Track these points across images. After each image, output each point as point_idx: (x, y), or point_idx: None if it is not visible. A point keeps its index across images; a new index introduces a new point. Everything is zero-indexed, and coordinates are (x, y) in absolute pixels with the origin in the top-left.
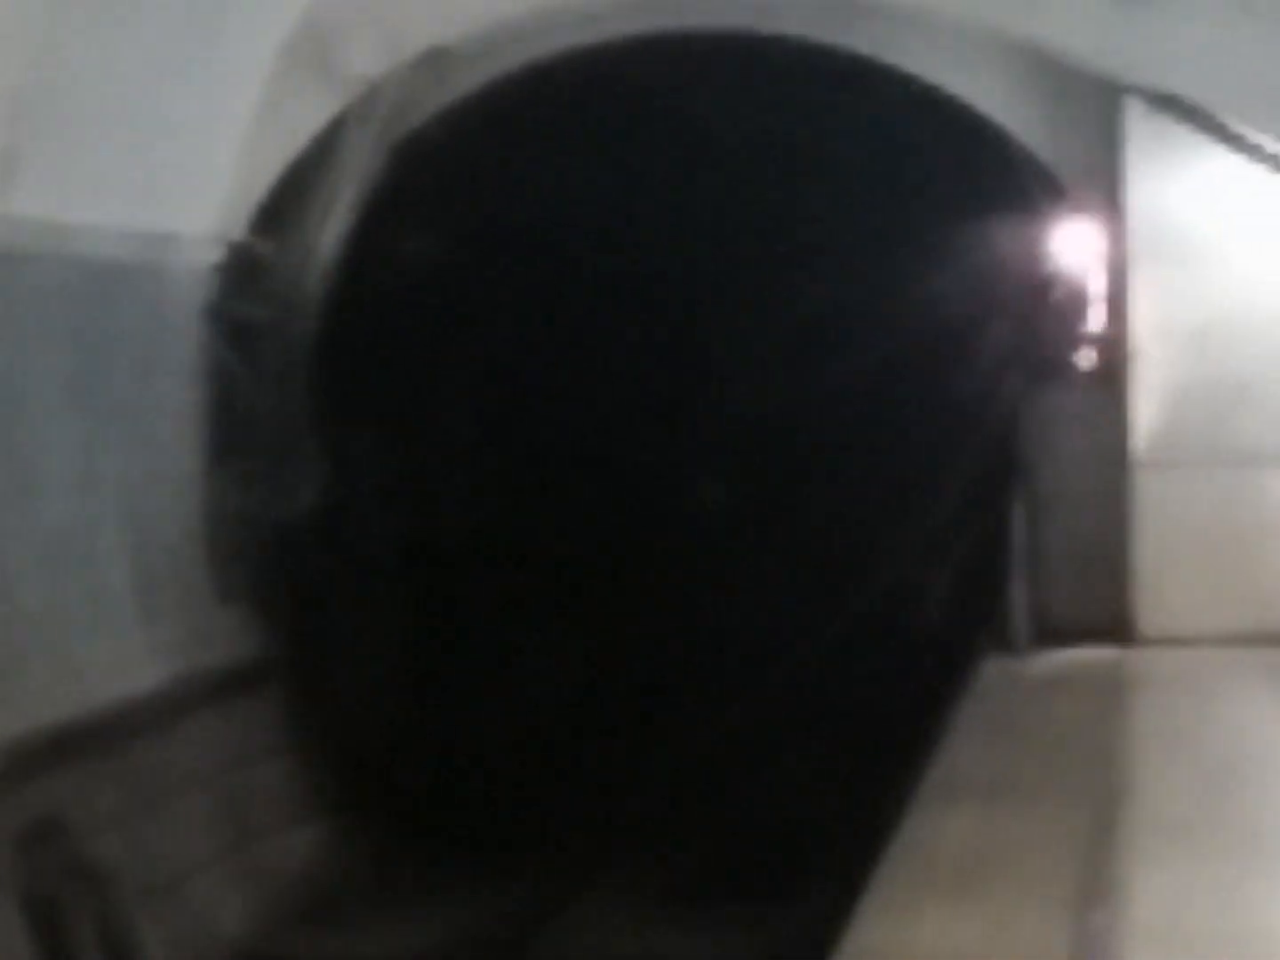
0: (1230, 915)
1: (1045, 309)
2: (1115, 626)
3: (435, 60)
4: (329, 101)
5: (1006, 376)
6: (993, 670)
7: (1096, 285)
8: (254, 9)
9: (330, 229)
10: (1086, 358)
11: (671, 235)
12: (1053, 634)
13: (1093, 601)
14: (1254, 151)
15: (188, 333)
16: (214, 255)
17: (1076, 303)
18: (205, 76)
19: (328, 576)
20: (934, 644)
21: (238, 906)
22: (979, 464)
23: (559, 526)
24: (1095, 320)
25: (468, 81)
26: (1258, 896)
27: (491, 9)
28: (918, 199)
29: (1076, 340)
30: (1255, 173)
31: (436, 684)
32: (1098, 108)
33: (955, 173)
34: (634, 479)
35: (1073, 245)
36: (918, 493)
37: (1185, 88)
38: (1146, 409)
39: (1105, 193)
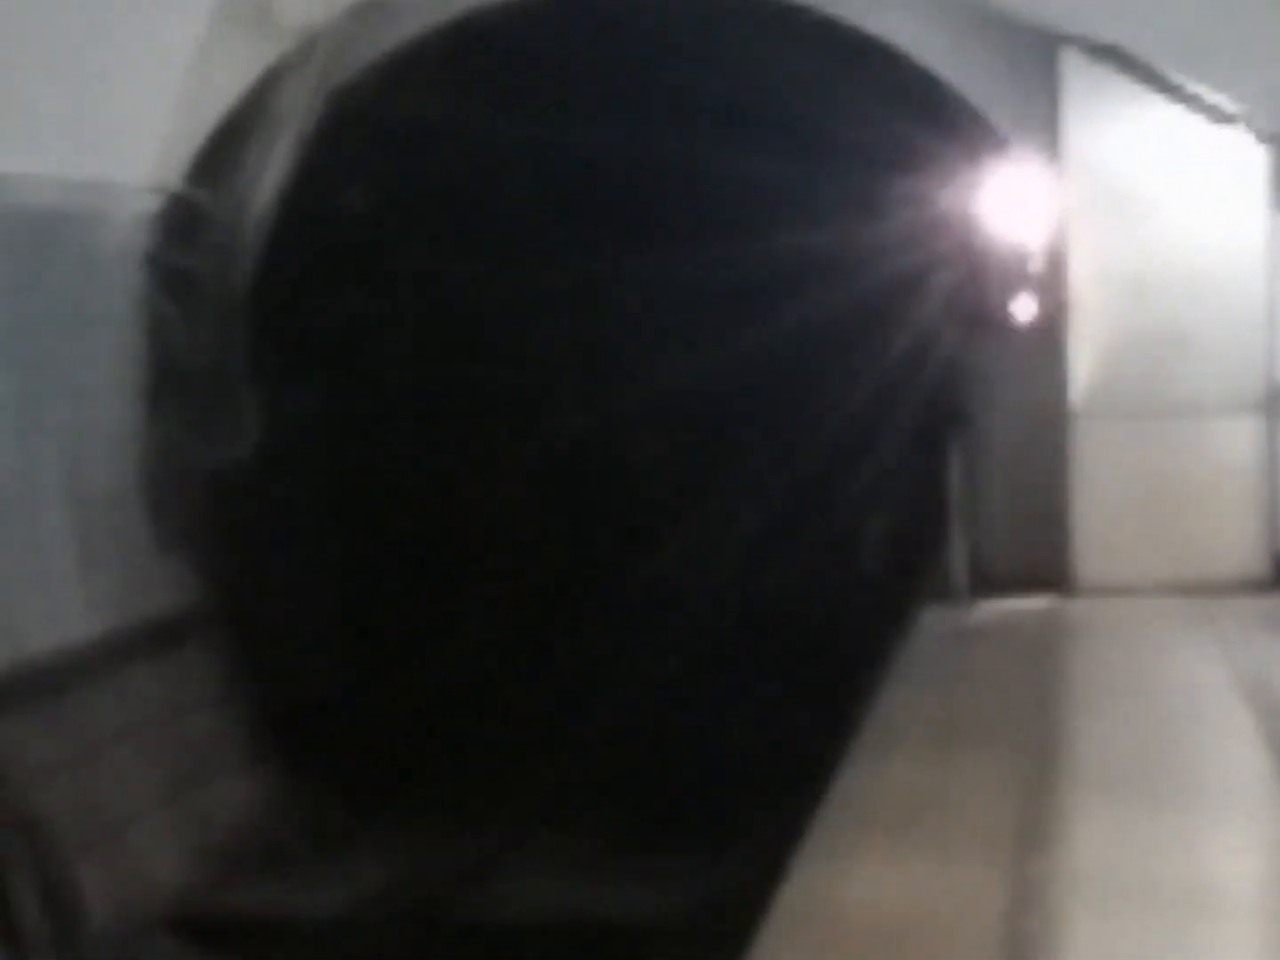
0: (1165, 863)
1: (983, 260)
2: (1054, 576)
3: (372, 9)
4: (266, 51)
5: (945, 328)
6: (932, 619)
7: (1035, 236)
8: None
9: (267, 178)
10: (1025, 308)
11: (607, 185)
12: (992, 584)
13: (1031, 551)
14: (1193, 101)
15: (125, 282)
16: (151, 204)
17: (1015, 254)
18: (141, 25)
19: (264, 526)
20: (874, 593)
21: (175, 856)
22: (918, 415)
23: (498, 473)
24: (1034, 271)
25: (405, 31)
26: (1193, 845)
27: None
28: (855, 152)
29: (1015, 291)
30: (1194, 123)
31: (375, 633)
32: (1036, 57)
33: (892, 124)
34: (566, 425)
35: (1011, 196)
36: (857, 444)
37: (1124, 37)
38: (1085, 360)
39: (1044, 143)
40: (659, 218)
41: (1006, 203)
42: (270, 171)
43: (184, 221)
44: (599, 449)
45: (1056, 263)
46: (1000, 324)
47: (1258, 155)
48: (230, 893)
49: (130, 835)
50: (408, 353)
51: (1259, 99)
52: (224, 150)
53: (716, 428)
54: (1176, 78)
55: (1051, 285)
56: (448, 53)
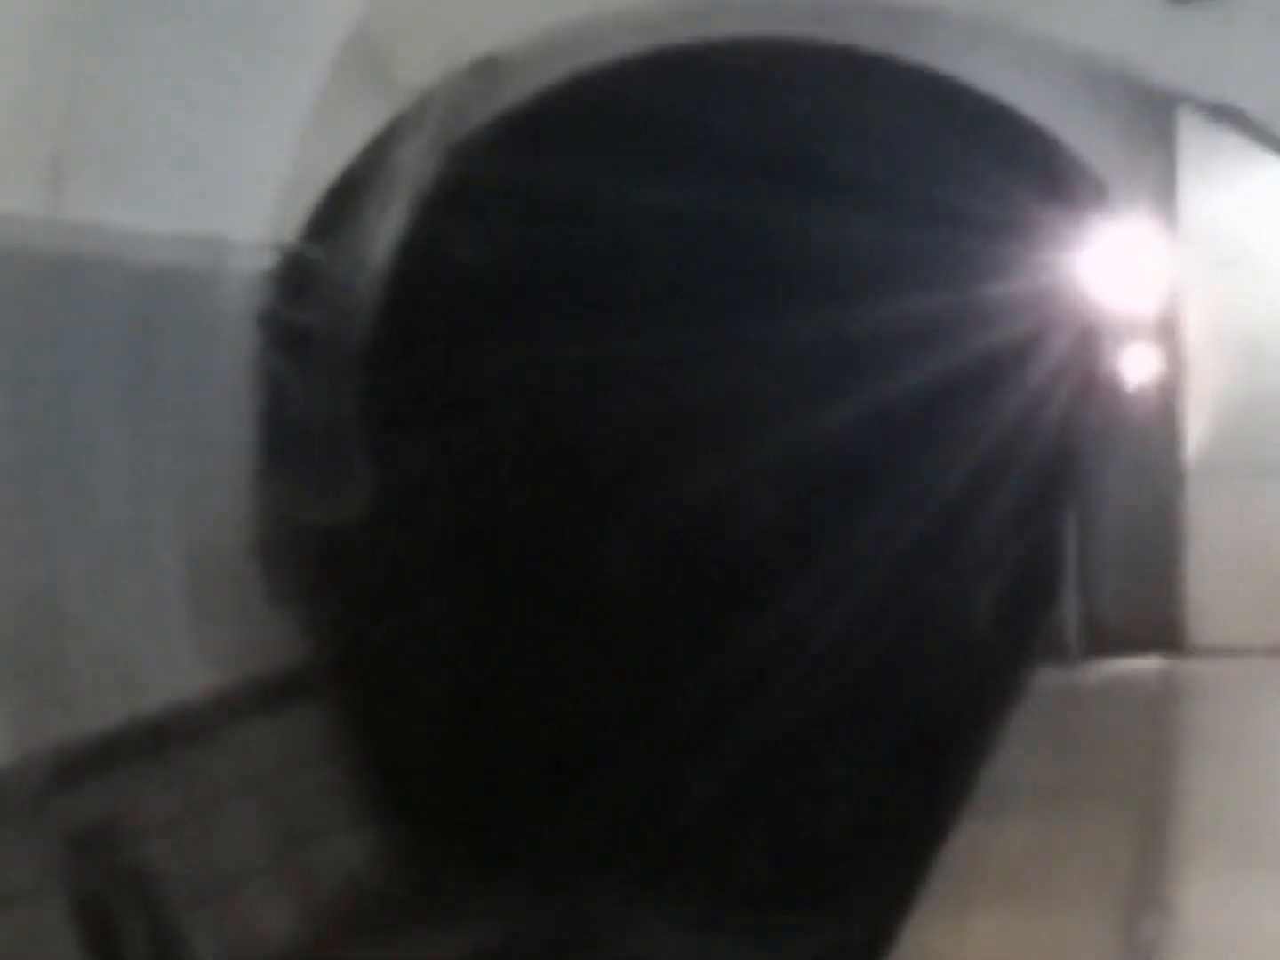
0: (1276, 923)
1: (1096, 323)
2: (1166, 637)
3: (488, 68)
4: (382, 109)
5: (1061, 387)
6: (1045, 680)
7: (1148, 298)
8: (308, 16)
9: (382, 235)
10: (1139, 370)
11: (719, 248)
12: (1105, 644)
13: (1144, 611)
14: None
15: (240, 338)
16: (267, 261)
17: (1128, 316)
18: (259, 82)
19: (379, 581)
20: (987, 654)
21: (286, 913)
22: (1033, 476)
23: (604, 532)
24: (1149, 331)
25: (520, 89)
26: None
27: (544, 16)
28: (968, 216)
29: (1128, 354)
30: None
31: (488, 689)
32: (1152, 117)
33: (1005, 186)
34: (676, 488)
35: (1124, 258)
36: (972, 504)
37: (1240, 98)
38: (1199, 419)
39: (1159, 203)
40: (770, 282)
41: (1119, 264)
42: (386, 229)
43: (299, 278)
44: (711, 513)
45: (1171, 323)
46: (1114, 386)
47: None
48: (341, 949)
49: (241, 891)
50: (521, 412)
51: None
52: (340, 207)
53: (828, 491)
54: None
55: (1166, 346)
56: (563, 109)
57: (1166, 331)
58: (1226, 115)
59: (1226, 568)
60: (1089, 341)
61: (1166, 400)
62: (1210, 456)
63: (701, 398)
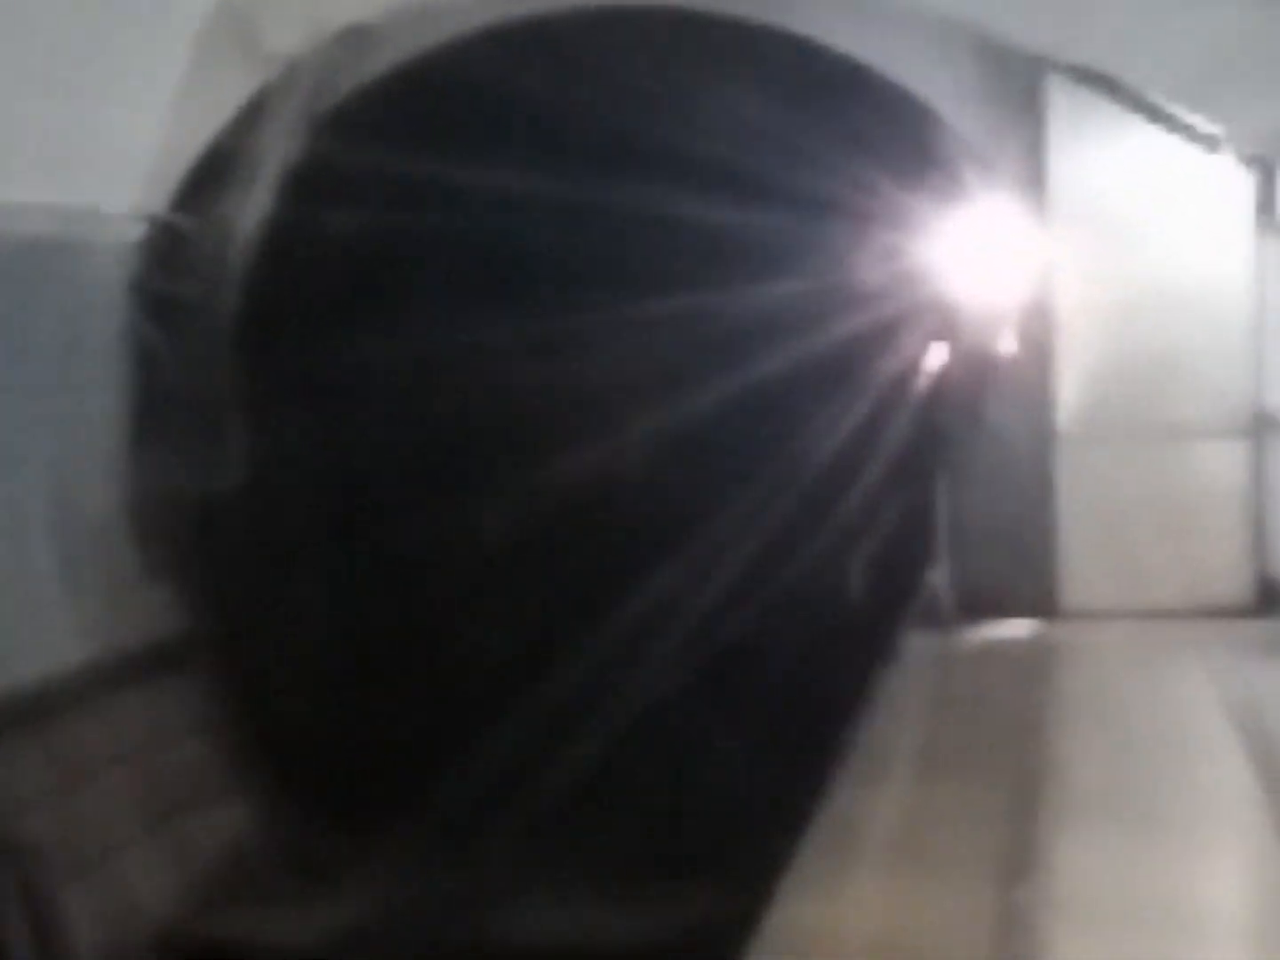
0: (1151, 886)
1: (968, 284)
2: (1039, 601)
3: (356, 36)
4: (250, 78)
5: (932, 355)
6: (918, 644)
7: (1019, 264)
8: None
9: (252, 206)
10: (1011, 332)
11: (595, 214)
12: (977, 609)
13: (1017, 576)
14: (1178, 126)
15: (111, 309)
16: (137, 232)
17: (1000, 278)
18: (124, 52)
19: (251, 553)
20: (861, 620)
21: (162, 884)
22: (902, 442)
23: (479, 507)
24: (1019, 295)
25: (389, 57)
26: (1179, 868)
27: None
28: (840, 181)
29: (1000, 321)
30: (1179, 147)
31: (363, 659)
32: (1021, 82)
33: (878, 152)
34: (550, 463)
35: (994, 225)
36: (843, 474)
37: (1109, 62)
38: (1071, 384)
39: (1028, 168)
40: (630, 267)
41: (989, 232)
42: (255, 198)
43: (170, 249)
44: (584, 489)
45: (1042, 290)
46: (985, 353)
47: (1243, 179)
48: (218, 920)
49: (117, 862)
50: (394, 386)
51: (1243, 123)
52: (210, 177)
53: (699, 468)
54: (1161, 103)
55: (1037, 312)
56: (433, 77)
57: (1038, 298)
58: (1095, 79)
59: (1098, 531)
60: (960, 310)
61: (1038, 364)
62: (1081, 422)
63: (571, 377)
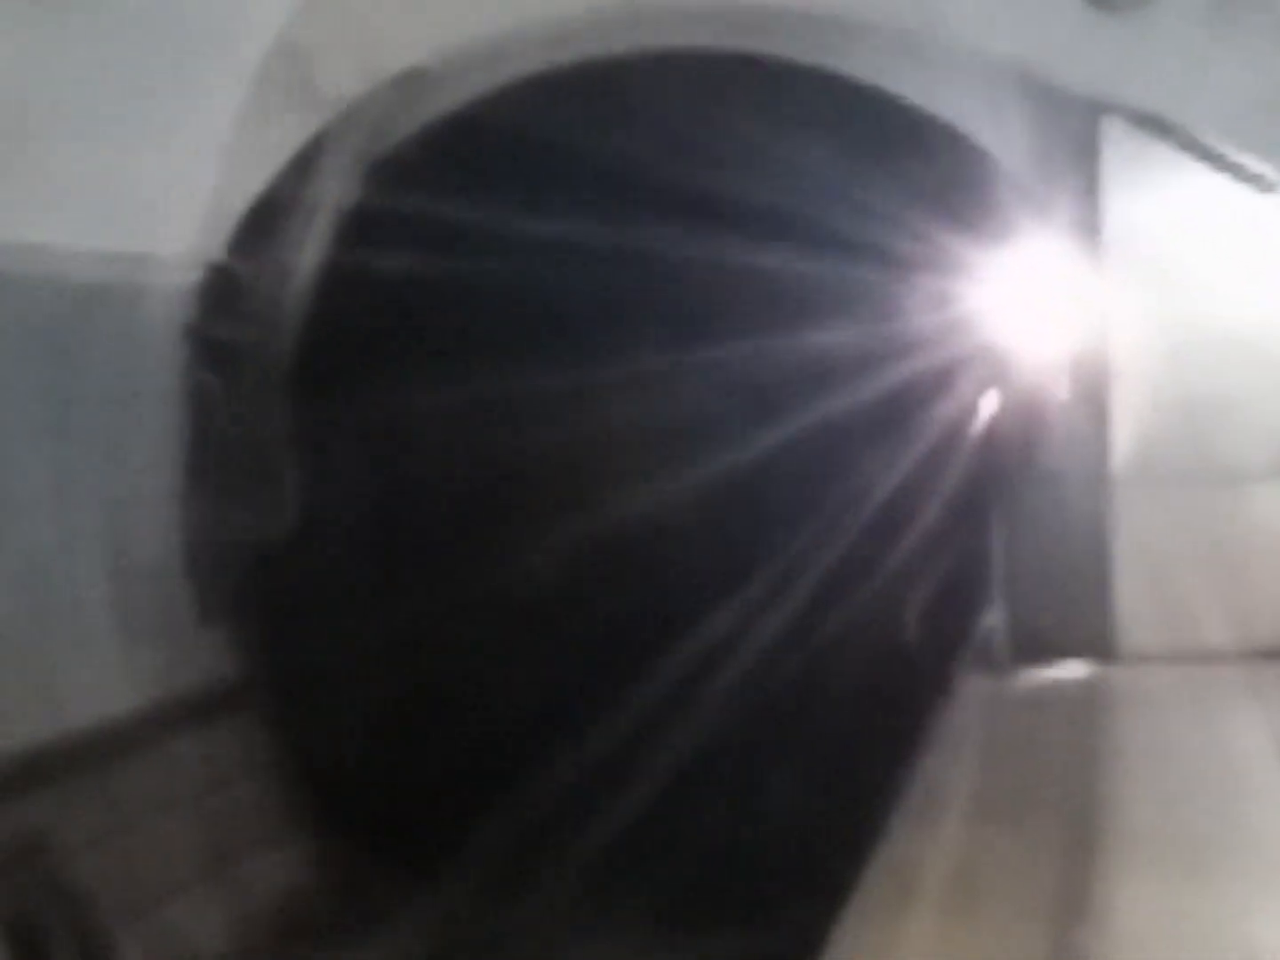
0: (1205, 930)
1: (1022, 328)
2: (1094, 644)
3: (412, 81)
4: (305, 122)
5: (984, 396)
6: (972, 687)
7: (1074, 304)
8: (227, 28)
9: (308, 250)
10: (1065, 376)
11: (647, 260)
12: (1033, 652)
13: (1072, 619)
14: (1234, 169)
15: (166, 354)
16: (191, 276)
17: (1054, 322)
18: (182, 95)
19: (305, 597)
20: (916, 663)
21: (215, 926)
22: (958, 484)
23: (534, 548)
24: (1073, 339)
25: (445, 101)
26: (1236, 911)
27: (468, 29)
28: (897, 220)
29: (1054, 360)
30: (1235, 190)
31: (416, 704)
32: (1076, 124)
33: (936, 197)
34: (605, 505)
35: (1052, 268)
36: (897, 513)
37: (1164, 105)
38: (1126, 427)
39: (1083, 211)
40: (681, 312)
41: (1043, 277)
42: (311, 244)
43: (224, 293)
44: (640, 532)
45: (1098, 334)
46: (1042, 396)
47: None
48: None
49: (170, 905)
50: (448, 429)
51: None
52: (265, 221)
53: (756, 510)
54: (1217, 146)
55: (1094, 356)
56: (490, 121)
57: (1092, 341)
58: (1150, 123)
59: (1154, 574)
60: (1013, 354)
61: (1094, 407)
62: (1137, 465)
63: (623, 421)
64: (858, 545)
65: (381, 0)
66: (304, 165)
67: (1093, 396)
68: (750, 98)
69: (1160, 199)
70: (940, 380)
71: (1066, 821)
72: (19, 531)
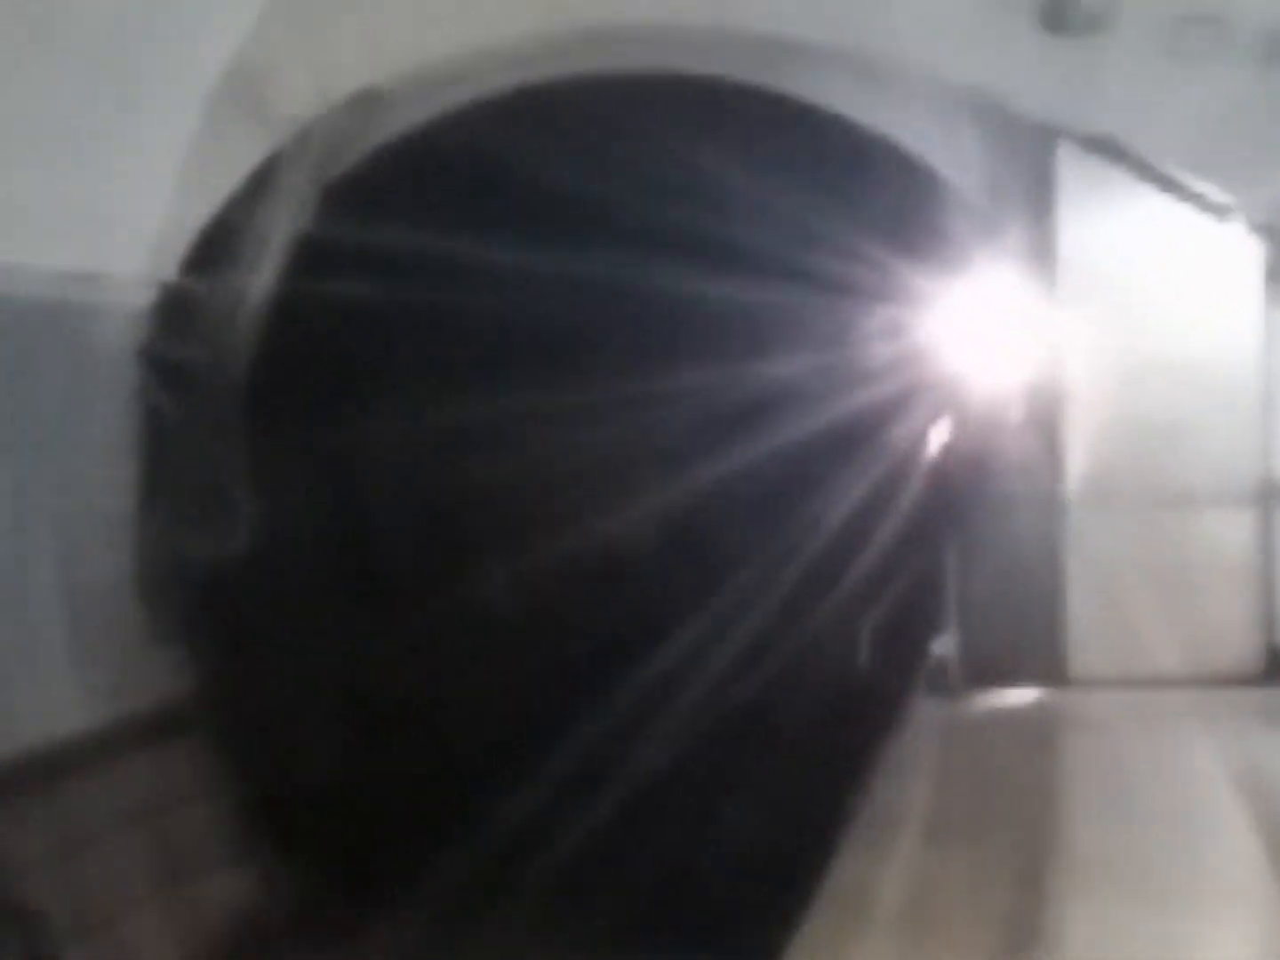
0: (1157, 952)
1: (976, 355)
2: (1047, 668)
3: (367, 102)
4: (260, 142)
5: (938, 422)
6: (925, 711)
7: (1028, 328)
8: (182, 47)
9: (261, 271)
10: (1019, 401)
11: (602, 287)
12: (985, 676)
13: (1025, 643)
14: (1187, 194)
15: (119, 373)
16: (146, 296)
17: (1008, 348)
18: (133, 116)
19: (258, 618)
20: (870, 687)
21: (168, 946)
22: (911, 509)
23: (490, 571)
24: (1027, 365)
25: (400, 122)
26: (1185, 938)
27: (422, 50)
28: (851, 249)
29: (1009, 385)
30: (1189, 215)
31: (370, 726)
32: (1031, 149)
33: (890, 220)
34: (560, 530)
35: (1004, 290)
36: (850, 538)
37: (1120, 130)
38: (1079, 451)
39: (1038, 235)
40: (636, 340)
41: (997, 303)
42: (265, 265)
43: (178, 313)
44: (597, 556)
45: (1050, 357)
46: (995, 419)
47: (1251, 247)
48: None
49: (121, 925)
50: (402, 450)
51: (1252, 192)
52: (219, 242)
53: (709, 535)
54: (1171, 171)
55: (1045, 379)
56: (444, 143)
57: (1046, 367)
58: (1106, 148)
59: (1106, 598)
60: (967, 381)
61: (1047, 431)
62: (1090, 490)
63: (579, 449)
64: (812, 570)
65: (336, 21)
66: (259, 186)
67: (1046, 422)
68: (706, 120)
69: (1115, 224)
70: (894, 406)
71: (1018, 845)
72: None
